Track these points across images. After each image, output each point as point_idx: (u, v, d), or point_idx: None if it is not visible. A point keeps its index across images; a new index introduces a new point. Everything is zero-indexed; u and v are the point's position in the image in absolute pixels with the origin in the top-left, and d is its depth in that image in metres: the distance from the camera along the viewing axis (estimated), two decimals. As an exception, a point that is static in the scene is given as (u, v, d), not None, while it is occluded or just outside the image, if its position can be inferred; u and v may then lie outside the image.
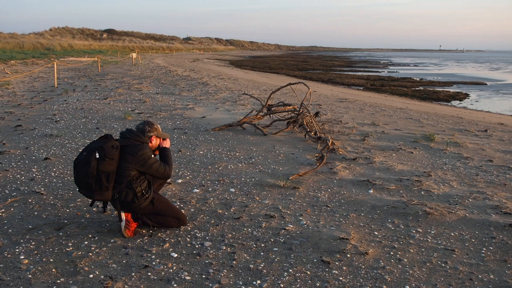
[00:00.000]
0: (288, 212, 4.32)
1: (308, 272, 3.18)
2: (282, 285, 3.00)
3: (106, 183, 3.47)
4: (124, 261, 3.25)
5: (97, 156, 3.42)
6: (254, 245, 3.57)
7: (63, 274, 3.05)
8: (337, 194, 4.90)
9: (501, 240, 3.82)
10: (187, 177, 5.34)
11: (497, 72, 45.96)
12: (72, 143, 6.94)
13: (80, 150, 6.45)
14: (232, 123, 8.57)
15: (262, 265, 3.26)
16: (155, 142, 3.87)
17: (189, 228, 3.86)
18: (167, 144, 3.99)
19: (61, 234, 3.67)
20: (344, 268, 3.26)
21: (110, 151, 3.47)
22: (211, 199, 4.62)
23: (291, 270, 3.20)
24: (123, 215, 3.63)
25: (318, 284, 3.03)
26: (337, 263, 3.32)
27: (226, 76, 24.82)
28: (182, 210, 4.24)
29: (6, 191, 4.68)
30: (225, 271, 3.17)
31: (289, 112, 9.08)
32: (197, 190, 4.88)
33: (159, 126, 3.94)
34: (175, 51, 77.36)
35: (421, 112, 13.21)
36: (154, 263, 3.24)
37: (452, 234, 3.93)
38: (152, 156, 3.70)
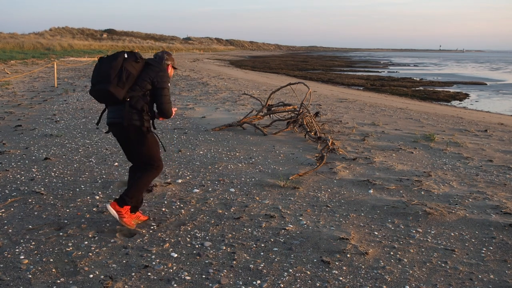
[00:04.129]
0: (288, 212, 4.33)
1: (308, 272, 3.18)
2: (282, 285, 3.00)
3: (125, 80, 3.55)
4: (124, 261, 3.25)
5: (125, 56, 3.60)
6: (254, 245, 3.58)
7: (63, 274, 3.05)
8: (337, 194, 4.90)
9: (501, 240, 3.82)
10: (187, 177, 5.34)
11: (497, 72, 45.95)
12: (72, 143, 6.94)
13: (80, 150, 6.46)
14: (232, 123, 8.57)
15: (262, 265, 3.26)
16: (170, 71, 4.02)
17: (189, 228, 3.86)
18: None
19: (61, 234, 3.67)
20: (344, 268, 3.26)
21: (137, 57, 3.66)
22: (211, 199, 4.62)
23: (291, 270, 3.20)
24: (112, 211, 3.66)
25: (318, 284, 3.03)
26: (337, 263, 3.32)
27: (226, 76, 24.83)
28: (182, 211, 4.25)
29: (6, 191, 4.68)
30: (225, 271, 3.17)
31: (289, 112, 9.08)
32: (197, 190, 4.88)
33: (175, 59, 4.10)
34: (175, 51, 77.31)
35: (421, 112, 13.22)
36: (154, 263, 3.24)
37: (452, 234, 3.93)
38: (169, 85, 3.84)
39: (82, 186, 4.88)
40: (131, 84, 3.61)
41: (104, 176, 5.26)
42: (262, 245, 3.59)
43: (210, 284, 2.99)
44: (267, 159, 6.32)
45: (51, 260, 3.23)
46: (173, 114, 3.96)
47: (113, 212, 3.67)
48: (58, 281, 2.95)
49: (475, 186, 5.41)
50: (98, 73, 3.57)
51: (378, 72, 41.52)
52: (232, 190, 4.93)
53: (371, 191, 5.04)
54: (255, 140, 7.60)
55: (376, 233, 3.91)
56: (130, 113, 3.63)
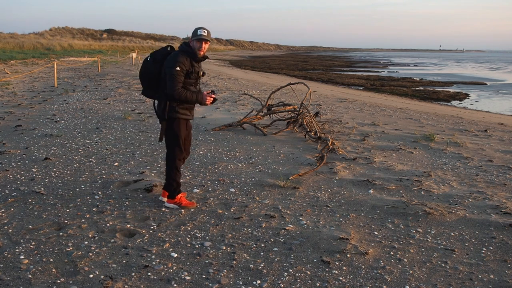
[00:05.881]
0: (288, 212, 4.33)
1: (308, 272, 3.18)
2: (282, 285, 3.00)
3: (153, 82, 4.17)
4: (124, 261, 3.25)
5: (148, 59, 4.13)
6: (254, 245, 3.58)
7: (63, 274, 3.05)
8: (337, 194, 4.90)
9: (501, 240, 3.82)
10: (187, 177, 5.34)
11: (497, 72, 45.96)
12: (72, 143, 6.94)
13: (80, 150, 6.47)
14: (232, 123, 8.57)
15: (262, 265, 3.26)
16: (196, 45, 4.08)
17: (189, 228, 3.86)
18: (209, 100, 4.21)
19: (61, 234, 3.67)
20: (344, 268, 3.26)
21: (157, 57, 4.11)
22: (211, 199, 4.62)
23: (291, 270, 3.20)
24: (171, 205, 4.26)
25: (318, 284, 3.03)
26: (337, 263, 3.32)
27: (226, 76, 24.82)
28: (182, 210, 4.25)
29: (6, 191, 4.68)
30: (225, 271, 3.17)
31: (289, 112, 9.08)
32: (197, 190, 4.88)
33: (204, 32, 4.07)
34: (175, 51, 77.11)
35: (421, 112, 13.22)
36: (154, 263, 3.25)
37: (452, 234, 3.93)
38: (178, 69, 3.94)
39: (82, 186, 4.88)
40: (158, 79, 4.13)
41: (104, 176, 5.26)
42: (262, 245, 3.59)
43: (210, 284, 2.99)
44: (267, 159, 6.32)
45: (51, 260, 3.23)
46: (208, 103, 4.20)
47: (172, 206, 4.26)
48: (58, 281, 2.95)
49: (475, 186, 5.41)
50: (139, 75, 4.31)
51: (378, 72, 41.53)
52: (232, 190, 4.93)
53: (371, 191, 5.04)
54: (255, 140, 7.60)
55: (376, 233, 3.91)
56: (158, 107, 4.22)
